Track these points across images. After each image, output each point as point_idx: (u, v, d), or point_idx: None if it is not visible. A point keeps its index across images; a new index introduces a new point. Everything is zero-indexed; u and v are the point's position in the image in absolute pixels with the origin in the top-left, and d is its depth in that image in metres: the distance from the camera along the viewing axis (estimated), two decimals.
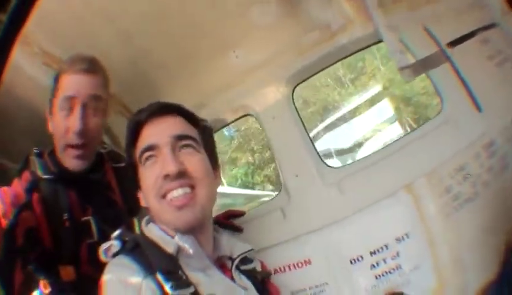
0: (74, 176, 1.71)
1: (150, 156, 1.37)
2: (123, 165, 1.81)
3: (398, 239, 1.88)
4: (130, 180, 1.47)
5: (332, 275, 1.94)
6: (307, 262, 1.96)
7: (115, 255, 1.33)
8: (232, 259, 1.47)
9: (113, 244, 1.35)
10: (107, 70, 1.78)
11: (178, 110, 1.46)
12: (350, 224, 1.93)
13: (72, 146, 1.67)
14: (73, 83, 1.66)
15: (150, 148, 1.37)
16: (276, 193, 2.24)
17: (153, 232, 1.39)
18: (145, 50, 2.07)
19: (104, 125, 1.82)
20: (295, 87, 2.15)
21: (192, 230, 1.35)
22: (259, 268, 1.59)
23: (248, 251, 1.53)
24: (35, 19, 1.41)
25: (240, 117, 2.26)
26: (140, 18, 1.96)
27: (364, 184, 1.95)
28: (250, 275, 1.50)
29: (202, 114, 1.77)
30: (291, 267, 1.97)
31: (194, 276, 1.30)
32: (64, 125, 1.65)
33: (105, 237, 1.44)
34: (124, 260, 1.29)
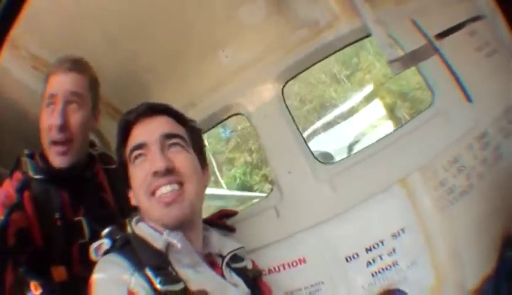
0: (65, 175, 1.73)
1: (139, 154, 1.41)
2: (114, 166, 1.84)
3: (393, 235, 1.88)
4: (121, 179, 1.51)
5: (328, 273, 1.94)
6: (302, 261, 1.97)
7: (105, 253, 1.36)
8: (222, 257, 1.50)
9: (104, 242, 1.39)
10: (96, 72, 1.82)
11: (166, 110, 1.51)
12: (344, 221, 1.93)
13: (56, 143, 1.70)
14: (57, 82, 1.72)
15: (139, 146, 1.41)
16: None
17: (142, 229, 1.42)
18: (134, 52, 2.08)
19: (93, 126, 1.87)
20: (285, 84, 2.16)
21: (181, 226, 1.37)
22: (250, 267, 1.61)
23: (239, 248, 1.55)
24: (23, 22, 1.42)
25: (231, 116, 2.27)
26: (129, 20, 1.97)
27: (357, 180, 1.96)
28: (241, 273, 1.52)
29: (193, 114, 1.79)
30: (286, 266, 1.97)
31: (184, 272, 1.32)
32: (48, 122, 1.70)
33: (97, 237, 1.46)
34: (114, 258, 1.32)
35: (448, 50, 1.90)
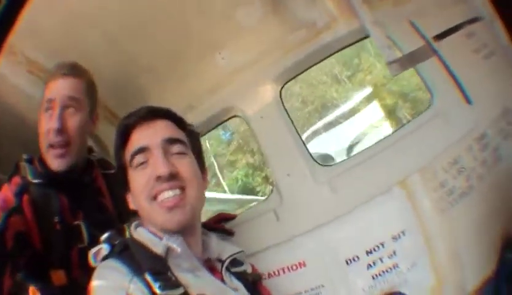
0: (63, 179, 1.76)
1: (141, 158, 1.42)
2: (112, 171, 1.88)
3: (394, 237, 1.89)
4: (120, 183, 1.52)
5: (328, 276, 1.95)
6: (302, 265, 1.98)
7: (104, 258, 1.37)
8: (222, 261, 1.50)
9: (103, 247, 1.40)
10: (93, 75, 1.86)
11: (167, 114, 1.52)
12: (344, 223, 1.94)
13: (54, 146, 1.74)
14: (55, 87, 1.77)
15: (141, 150, 1.42)
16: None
17: (141, 234, 1.43)
18: (131, 54, 2.11)
19: (91, 131, 1.91)
20: (283, 86, 2.18)
21: (182, 231, 1.38)
22: (250, 271, 1.61)
23: (238, 252, 1.56)
24: (19, 27, 1.45)
25: (229, 119, 2.30)
26: (126, 23, 1.99)
27: (357, 182, 1.98)
28: (241, 277, 1.53)
29: (191, 116, 1.82)
30: (286, 270, 1.98)
31: (183, 277, 1.33)
32: (46, 126, 1.74)
33: (95, 242, 1.48)
34: (112, 263, 1.33)
35: (446, 51, 1.92)
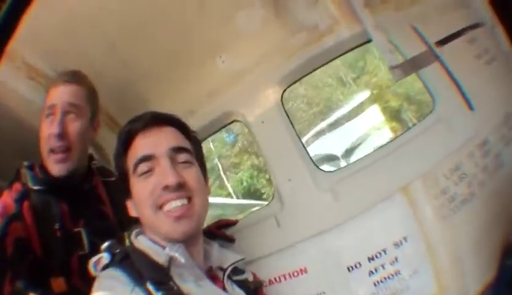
0: (63, 185, 1.81)
1: (146, 167, 1.42)
2: (113, 179, 1.93)
3: (396, 244, 1.91)
4: (120, 190, 1.53)
5: (329, 283, 1.96)
6: (303, 271, 1.99)
7: (104, 268, 1.38)
8: (223, 270, 1.52)
9: (103, 256, 1.40)
10: (93, 81, 1.92)
11: (172, 121, 1.53)
12: (346, 230, 1.96)
13: (55, 151, 1.78)
14: (56, 93, 1.83)
15: (147, 158, 1.42)
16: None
17: (143, 243, 1.44)
18: (131, 59, 2.13)
19: (92, 137, 1.96)
20: (285, 90, 2.20)
21: (186, 241, 1.40)
22: (251, 279, 1.64)
23: (240, 260, 1.58)
24: (19, 33, 1.49)
25: (229, 123, 2.32)
26: (126, 27, 2.02)
27: (359, 188, 1.99)
28: (243, 285, 1.55)
29: (191, 121, 1.83)
30: (287, 277, 1.99)
31: (185, 287, 1.34)
32: (47, 132, 1.79)
33: (96, 249, 1.50)
34: (113, 272, 1.34)
35: (448, 57, 1.95)
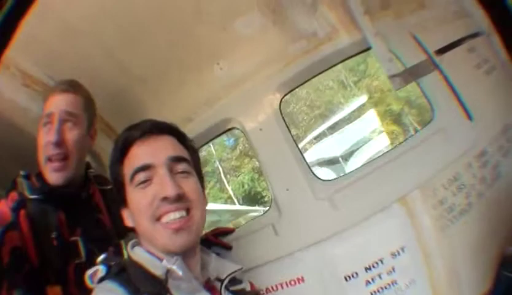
0: (60, 194, 1.83)
1: (144, 176, 1.41)
2: (110, 187, 1.93)
3: (393, 254, 1.91)
4: (116, 199, 1.53)
5: (326, 292, 1.97)
6: (300, 280, 1.99)
7: (100, 280, 1.38)
8: (221, 280, 1.51)
9: (99, 269, 1.40)
10: (90, 87, 1.94)
11: (171, 130, 1.52)
12: (343, 239, 1.96)
13: (52, 159, 1.81)
14: (53, 102, 1.85)
15: (145, 168, 1.41)
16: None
17: (139, 255, 1.43)
18: (128, 65, 2.15)
19: (89, 146, 1.98)
20: (283, 98, 2.20)
21: (184, 253, 1.39)
22: (248, 289, 1.64)
23: (237, 270, 1.57)
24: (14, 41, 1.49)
25: (227, 131, 2.32)
26: (122, 34, 2.04)
27: (357, 197, 1.99)
28: None
29: (188, 129, 1.84)
30: (284, 285, 1.99)
31: None
32: (44, 140, 1.82)
33: (93, 258, 1.52)
34: (110, 286, 1.34)
35: (447, 66, 1.97)
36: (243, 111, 2.20)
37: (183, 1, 2.04)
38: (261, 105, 2.17)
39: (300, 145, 6.75)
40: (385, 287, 1.92)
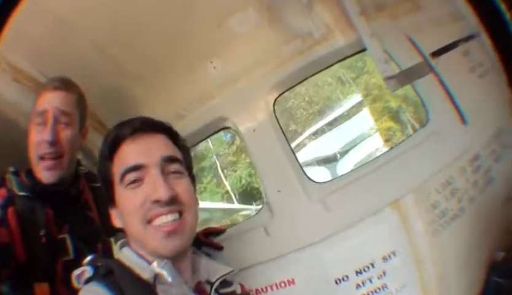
0: (50, 192, 1.82)
1: (135, 176, 1.36)
2: (99, 184, 1.89)
3: (384, 258, 1.92)
4: (104, 197, 1.50)
5: None
6: (291, 282, 1.98)
7: (87, 281, 1.34)
8: (211, 283, 1.47)
9: (86, 270, 1.36)
10: (81, 84, 1.92)
11: (163, 128, 1.47)
12: (335, 242, 1.96)
13: (45, 158, 1.79)
14: (46, 100, 1.84)
15: (137, 168, 1.36)
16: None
17: (128, 256, 1.39)
18: (120, 62, 2.13)
19: (80, 144, 1.96)
20: (277, 98, 2.19)
21: (175, 257, 1.36)
22: (239, 291, 1.61)
23: (228, 273, 1.53)
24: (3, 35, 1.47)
25: (219, 130, 2.32)
26: (115, 30, 2.02)
27: (349, 201, 2.00)
28: None
29: (180, 126, 1.81)
30: (274, 287, 1.99)
31: None
32: (38, 138, 1.80)
33: (81, 255, 1.51)
34: (95, 288, 1.30)
35: (442, 69, 1.96)
36: (236, 111, 2.19)
37: None
38: (254, 105, 2.16)
39: (298, 141, 6.73)
40: (376, 291, 1.92)
